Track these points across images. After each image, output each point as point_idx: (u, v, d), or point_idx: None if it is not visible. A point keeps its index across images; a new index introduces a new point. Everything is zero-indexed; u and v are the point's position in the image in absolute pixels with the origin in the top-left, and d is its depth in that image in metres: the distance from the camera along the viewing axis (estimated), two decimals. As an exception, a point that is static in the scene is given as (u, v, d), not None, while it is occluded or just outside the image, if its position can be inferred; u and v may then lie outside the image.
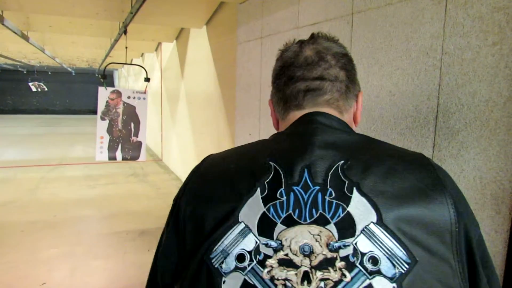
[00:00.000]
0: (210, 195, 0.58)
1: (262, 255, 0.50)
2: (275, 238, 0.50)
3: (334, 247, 0.49)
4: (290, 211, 0.51)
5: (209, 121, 4.66)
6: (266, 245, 0.51)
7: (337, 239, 0.49)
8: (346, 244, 0.49)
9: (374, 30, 1.82)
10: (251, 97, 3.18)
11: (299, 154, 0.56)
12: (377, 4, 1.79)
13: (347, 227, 0.50)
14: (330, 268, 0.48)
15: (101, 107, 4.19)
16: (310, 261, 0.49)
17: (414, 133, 1.62)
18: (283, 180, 0.54)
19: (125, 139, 4.33)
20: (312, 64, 0.66)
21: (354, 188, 0.52)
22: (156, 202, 5.15)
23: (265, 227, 0.51)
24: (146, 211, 4.77)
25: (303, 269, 0.49)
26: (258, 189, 0.54)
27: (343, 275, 0.48)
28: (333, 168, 0.54)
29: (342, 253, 0.49)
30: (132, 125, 4.35)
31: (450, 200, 0.53)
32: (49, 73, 18.08)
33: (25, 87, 16.30)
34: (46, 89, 15.78)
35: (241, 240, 0.52)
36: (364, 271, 0.48)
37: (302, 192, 0.53)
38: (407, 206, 0.51)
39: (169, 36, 6.18)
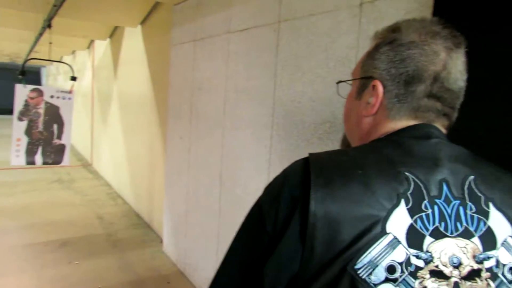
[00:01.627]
0: (345, 197, 0.54)
1: (413, 266, 0.52)
2: (424, 250, 0.53)
3: (480, 259, 0.53)
4: (437, 224, 0.54)
5: (142, 123, 4.57)
6: (417, 256, 0.52)
7: (481, 251, 0.54)
8: (490, 256, 0.54)
9: (298, 38, 1.93)
10: (183, 100, 3.19)
11: (432, 167, 0.58)
12: (302, 14, 1.91)
13: (489, 240, 0.54)
14: (477, 279, 0.53)
15: (18, 106, 3.95)
16: (459, 272, 0.53)
17: (331, 138, 1.74)
18: (424, 193, 0.55)
19: (47, 142, 4.12)
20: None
21: (490, 203, 0.56)
22: (81, 210, 4.91)
23: (414, 239, 0.53)
24: (70, 220, 4.53)
25: (453, 279, 0.52)
26: (403, 200, 0.54)
27: (489, 285, 0.53)
28: (467, 183, 0.57)
29: (487, 264, 0.53)
30: (55, 126, 4.15)
31: None
32: None
33: None
34: None
35: (391, 251, 0.52)
36: (506, 281, 0.53)
37: (446, 205, 0.55)
38: None
39: (102, 34, 5.97)
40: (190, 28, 3.06)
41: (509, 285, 0.53)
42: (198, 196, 2.96)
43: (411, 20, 0.69)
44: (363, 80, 0.70)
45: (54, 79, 14.19)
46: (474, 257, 0.53)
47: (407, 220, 0.53)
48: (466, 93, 0.68)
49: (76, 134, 9.15)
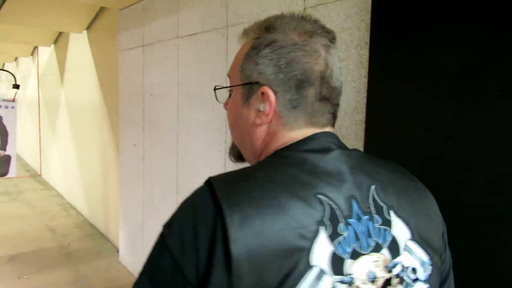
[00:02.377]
0: (266, 234, 0.49)
1: None
2: (346, 273, 0.52)
3: (389, 268, 0.55)
4: (354, 245, 0.54)
5: (93, 131, 4.39)
6: (341, 281, 0.52)
7: (390, 261, 0.55)
8: (396, 263, 0.56)
9: (247, 43, 1.93)
10: (134, 107, 3.08)
11: (339, 184, 0.56)
12: (248, 19, 1.90)
13: (395, 248, 0.56)
14: (389, 287, 0.55)
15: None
16: (376, 286, 0.54)
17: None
18: (338, 215, 0.54)
19: (-11, 152, 3.82)
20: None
21: (391, 211, 0.58)
22: (31, 223, 4.62)
23: (337, 265, 0.52)
24: (19, 234, 4.25)
25: None
26: (322, 228, 0.52)
27: None
28: (371, 195, 0.58)
29: (395, 271, 0.55)
30: (-1, 137, 3.86)
31: (437, 203, 0.66)
32: None
33: None
34: None
35: (318, 283, 0.50)
36: (410, 281, 0.57)
37: (358, 223, 0.55)
38: (421, 217, 0.61)
39: (45, 40, 5.66)
40: (138, 33, 2.97)
41: (413, 284, 0.57)
42: (154, 204, 2.87)
43: (283, 17, 0.65)
44: (248, 85, 0.65)
45: (-4, 87, 13.25)
46: (385, 267, 0.55)
47: (329, 248, 0.52)
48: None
49: (22, 144, 8.62)
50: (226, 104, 0.73)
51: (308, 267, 0.50)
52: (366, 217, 0.56)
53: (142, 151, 3.00)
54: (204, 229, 0.50)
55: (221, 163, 2.12)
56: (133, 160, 3.16)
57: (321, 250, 0.51)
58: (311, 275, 0.50)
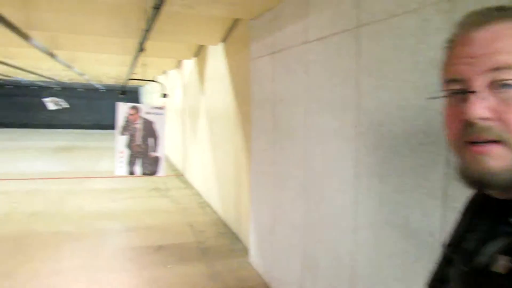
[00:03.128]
0: None
1: None
2: None
3: None
4: None
5: (227, 137, 4.65)
6: None
7: None
8: None
9: (381, 42, 1.75)
10: (265, 113, 3.14)
11: None
12: (383, 16, 1.73)
13: None
14: None
15: (120, 122, 4.25)
16: None
17: (426, 150, 1.53)
18: None
19: (144, 154, 4.35)
20: None
21: None
22: (175, 218, 5.15)
23: None
24: (164, 227, 4.77)
25: None
26: None
27: None
28: None
29: None
30: (151, 140, 4.38)
31: None
32: (79, 90, 18.81)
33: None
34: (67, 106, 16.16)
35: None
36: None
37: None
38: None
39: (188, 54, 6.26)
40: (268, 41, 3.01)
41: None
42: (283, 209, 2.87)
43: None
44: None
45: (150, 97, 15.34)
46: None
47: None
48: None
49: (170, 147, 9.73)
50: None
51: None
52: None
53: (272, 156, 3.03)
54: None
55: (352, 172, 1.98)
56: (263, 165, 3.22)
57: None
58: None
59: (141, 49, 3.83)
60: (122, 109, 4.23)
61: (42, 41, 4.94)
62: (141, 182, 7.16)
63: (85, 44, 5.57)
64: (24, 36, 3.99)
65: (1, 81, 15.30)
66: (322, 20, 2.24)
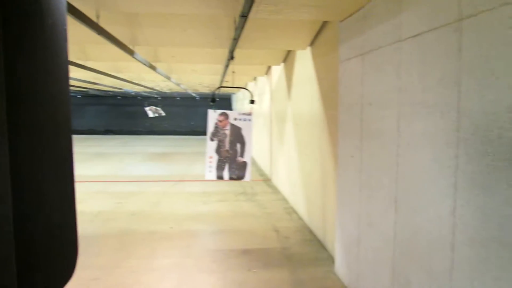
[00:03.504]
0: None
1: None
2: None
3: None
4: None
5: (314, 142, 4.58)
6: None
7: None
8: None
9: (489, 36, 1.54)
10: (353, 117, 3.01)
11: None
12: (490, 6, 1.52)
13: None
14: None
15: (210, 128, 4.44)
16: None
17: (544, 158, 1.30)
18: None
19: (232, 159, 4.49)
20: None
21: None
22: (261, 222, 5.20)
23: None
24: (251, 231, 4.85)
25: None
26: None
27: None
28: None
29: None
30: (239, 146, 4.50)
31: None
32: (177, 98, 20.32)
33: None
34: (163, 114, 17.55)
35: None
36: None
37: None
38: None
39: (276, 59, 6.33)
40: (357, 42, 2.88)
41: None
42: (370, 219, 2.71)
43: None
44: None
45: (241, 103, 15.87)
46: None
47: None
48: None
49: (258, 152, 9.93)
50: None
51: None
52: None
53: (360, 163, 2.88)
54: None
55: (450, 182, 1.77)
56: (350, 172, 3.08)
57: None
58: None
59: (231, 57, 3.96)
60: (212, 116, 4.42)
61: (144, 55, 5.42)
62: (229, 186, 7.41)
63: (182, 56, 5.97)
64: (130, 51, 4.42)
65: (111, 92, 17.19)
66: (417, 16, 2.06)
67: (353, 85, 3.00)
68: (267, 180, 8.28)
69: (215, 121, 4.45)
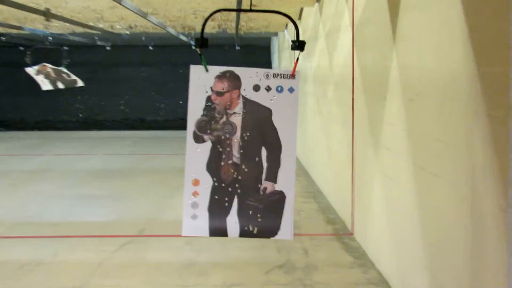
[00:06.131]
0: None
1: None
2: None
3: None
4: None
5: (452, 145, 4.54)
6: None
7: None
8: None
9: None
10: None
11: None
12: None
13: None
14: None
15: (195, 112, 4.12)
16: None
17: None
18: None
19: (248, 186, 4.22)
20: None
21: None
22: None
23: None
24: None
25: None
26: None
27: None
28: None
29: None
30: (264, 153, 4.19)
31: None
32: (150, 48, 20.87)
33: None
34: (79, 84, 18.47)
35: None
36: None
37: None
38: None
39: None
40: None
41: None
42: None
43: None
44: None
45: (289, 57, 16.27)
46: None
47: None
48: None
49: (312, 163, 9.73)
50: None
51: None
52: None
53: None
54: None
55: None
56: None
57: None
58: None
59: None
60: (199, 81, 4.21)
61: None
62: (249, 248, 7.41)
63: None
64: None
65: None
66: None
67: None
68: (344, 234, 8.17)
69: (207, 93, 4.16)
